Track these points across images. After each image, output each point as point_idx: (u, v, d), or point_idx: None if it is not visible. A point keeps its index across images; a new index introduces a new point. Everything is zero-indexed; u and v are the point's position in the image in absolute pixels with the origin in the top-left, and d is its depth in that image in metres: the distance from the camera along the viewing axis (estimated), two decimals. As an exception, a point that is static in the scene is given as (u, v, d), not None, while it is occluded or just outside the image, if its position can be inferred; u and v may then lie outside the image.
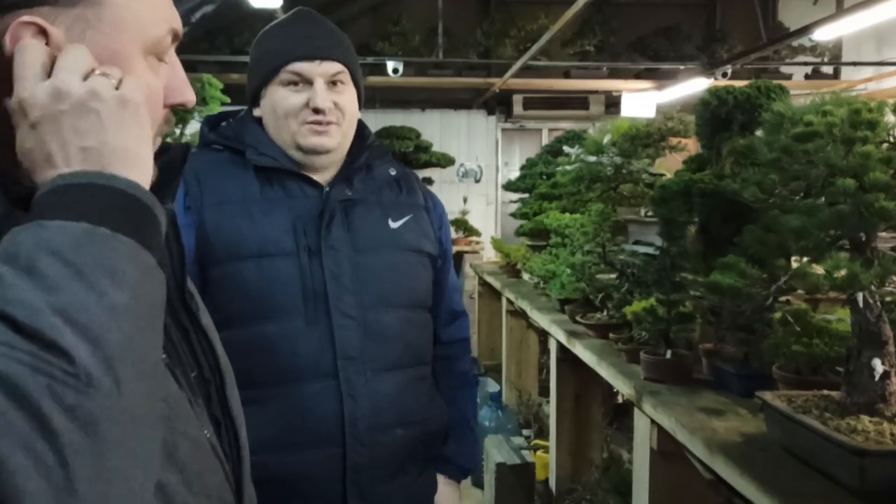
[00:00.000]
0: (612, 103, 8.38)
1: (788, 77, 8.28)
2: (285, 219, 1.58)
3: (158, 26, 0.78)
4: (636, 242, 3.54)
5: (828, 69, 8.53)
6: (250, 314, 1.54)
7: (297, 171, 1.64)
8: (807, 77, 8.46)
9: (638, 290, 3.18)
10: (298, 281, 1.54)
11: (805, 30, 5.80)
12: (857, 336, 1.70)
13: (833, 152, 1.57)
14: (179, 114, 4.04)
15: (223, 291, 1.55)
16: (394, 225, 1.68)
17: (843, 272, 1.49)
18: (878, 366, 1.67)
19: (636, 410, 2.50)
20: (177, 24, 0.81)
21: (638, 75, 8.11)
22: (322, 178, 1.67)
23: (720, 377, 2.46)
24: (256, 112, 1.68)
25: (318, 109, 1.61)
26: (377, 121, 8.36)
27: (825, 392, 1.86)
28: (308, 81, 1.60)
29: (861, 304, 1.66)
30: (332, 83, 1.62)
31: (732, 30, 8.78)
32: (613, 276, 3.40)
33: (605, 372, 2.82)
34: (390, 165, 1.76)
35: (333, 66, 1.63)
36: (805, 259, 1.60)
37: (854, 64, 7.86)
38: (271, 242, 1.56)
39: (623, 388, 2.61)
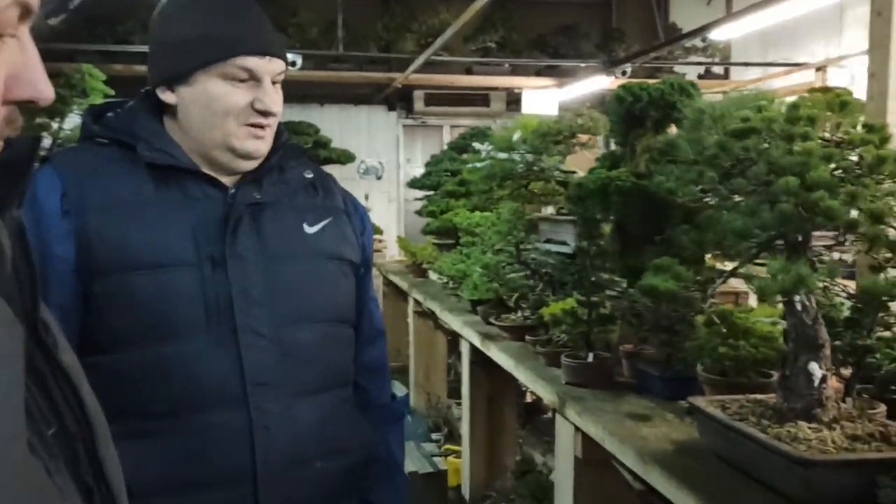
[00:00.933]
0: (514, 100, 8.37)
1: (682, 77, 8.48)
2: (184, 224, 1.37)
3: None
4: (548, 241, 3.47)
5: (718, 69, 8.80)
6: (143, 334, 1.33)
7: (197, 170, 1.43)
8: (700, 77, 8.70)
9: (554, 290, 3.11)
10: (199, 295, 1.34)
11: (702, 30, 5.92)
12: (794, 340, 1.65)
13: (773, 149, 1.50)
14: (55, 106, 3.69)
15: (110, 308, 1.33)
16: (310, 230, 1.49)
17: (788, 275, 1.42)
18: (816, 370, 1.61)
19: (559, 417, 2.41)
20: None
21: (539, 72, 8.13)
22: (227, 179, 1.47)
23: (643, 380, 2.39)
24: (168, 97, 1.43)
25: (266, 112, 1.41)
26: (274, 116, 8.04)
27: (758, 396, 1.81)
28: (256, 79, 1.39)
29: (798, 307, 1.60)
30: (274, 83, 1.43)
31: (629, 29, 8.94)
32: (524, 275, 3.32)
33: (523, 376, 2.72)
34: (306, 167, 1.57)
35: (279, 65, 1.43)
36: (747, 261, 1.53)
37: (744, 64, 8.14)
38: (167, 251, 1.35)
39: (544, 393, 2.51)
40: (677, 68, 8.55)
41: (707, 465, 1.74)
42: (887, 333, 2.01)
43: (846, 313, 2.05)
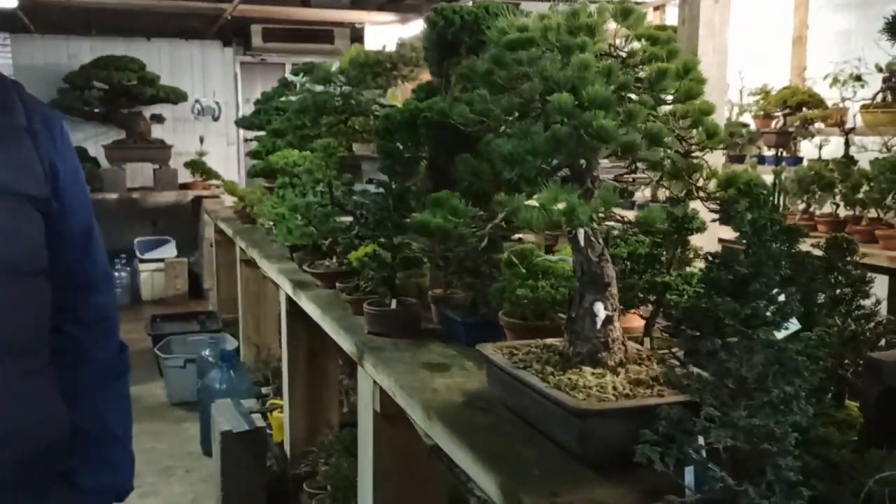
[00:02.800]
0: (358, 37, 8.01)
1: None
2: None
3: None
4: (370, 181, 3.25)
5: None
6: None
7: None
8: None
9: (372, 235, 2.89)
10: None
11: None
12: (580, 278, 1.50)
13: (549, 63, 1.31)
14: None
15: None
16: None
17: (561, 206, 1.25)
18: (601, 310, 1.48)
19: (360, 369, 2.22)
20: None
21: (381, 7, 7.79)
22: None
23: (449, 327, 2.23)
24: None
25: None
26: (94, 50, 7.34)
27: (550, 341, 1.67)
28: None
29: (582, 243, 1.45)
30: None
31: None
32: (353, 220, 3.09)
33: (328, 327, 2.51)
34: None
35: None
36: (522, 191, 1.35)
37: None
38: None
39: (346, 344, 2.31)
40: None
41: (494, 417, 1.59)
42: (687, 269, 1.93)
43: (647, 249, 1.94)
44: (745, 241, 0.91)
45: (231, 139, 8.33)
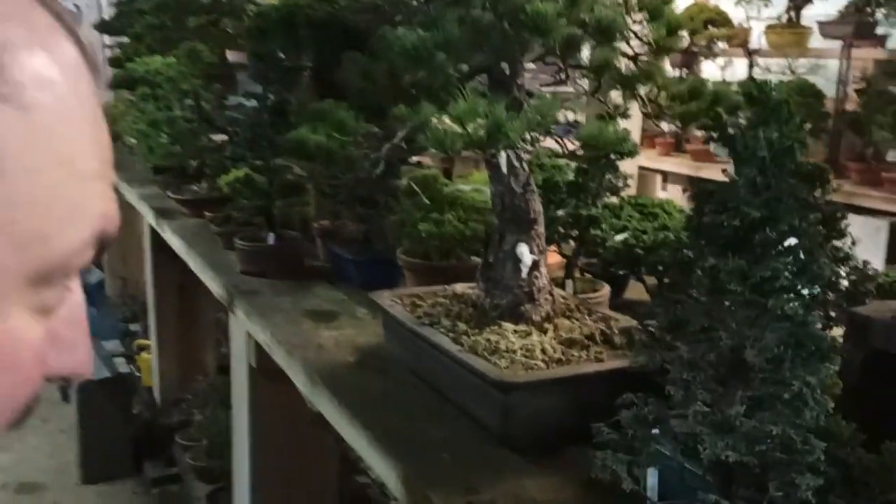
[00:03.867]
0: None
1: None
2: None
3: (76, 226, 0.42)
4: (247, 94, 2.83)
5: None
6: None
7: None
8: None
9: (246, 156, 2.50)
10: None
11: None
12: (500, 214, 1.21)
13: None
14: None
15: None
16: None
17: (481, 121, 0.94)
18: (525, 254, 1.20)
19: (231, 316, 1.88)
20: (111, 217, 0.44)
21: None
22: None
23: (338, 265, 1.91)
24: None
25: None
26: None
27: (460, 289, 1.38)
28: None
29: (504, 169, 1.15)
30: None
31: None
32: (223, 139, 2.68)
33: (194, 263, 2.14)
34: None
35: None
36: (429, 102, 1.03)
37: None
38: None
39: (213, 285, 1.96)
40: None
41: (393, 382, 1.31)
42: (614, 199, 1.67)
43: (570, 176, 1.67)
44: (755, 173, 0.64)
45: (95, 47, 7.51)
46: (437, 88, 1.06)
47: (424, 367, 1.25)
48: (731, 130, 0.68)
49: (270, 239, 1.94)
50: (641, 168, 3.79)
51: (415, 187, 1.60)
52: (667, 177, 4.04)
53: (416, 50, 0.92)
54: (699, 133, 4.08)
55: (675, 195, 3.87)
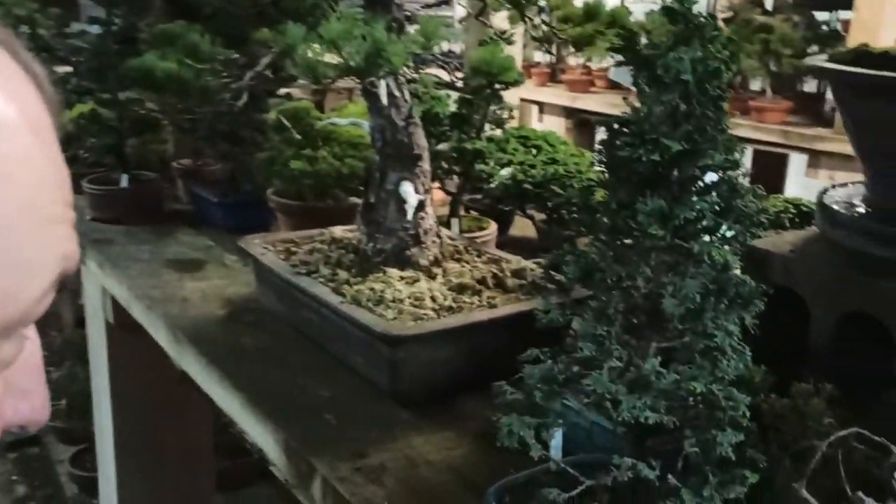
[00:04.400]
0: None
1: None
2: None
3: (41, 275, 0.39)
4: (92, 20, 2.55)
5: None
6: None
7: None
8: None
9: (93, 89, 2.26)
10: None
11: None
12: (380, 150, 1.10)
13: None
14: None
15: None
16: None
17: (358, 45, 0.82)
18: (410, 193, 1.10)
19: (83, 268, 1.69)
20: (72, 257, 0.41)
21: None
22: None
23: (202, 208, 1.75)
24: None
25: None
26: None
27: (338, 233, 1.27)
28: None
29: (384, 100, 1.04)
30: None
31: None
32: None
33: (38, 211, 1.91)
34: None
35: None
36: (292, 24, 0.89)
37: None
38: None
39: (61, 235, 1.75)
40: None
41: (269, 337, 1.19)
42: (498, 132, 1.59)
43: (452, 108, 1.57)
44: (676, 100, 0.56)
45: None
46: (306, 8, 0.93)
47: (303, 321, 1.14)
48: (646, 52, 0.60)
49: (123, 181, 1.75)
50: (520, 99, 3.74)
51: (284, 121, 1.46)
52: (543, 108, 4.01)
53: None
54: (574, 63, 4.06)
55: (551, 126, 3.85)
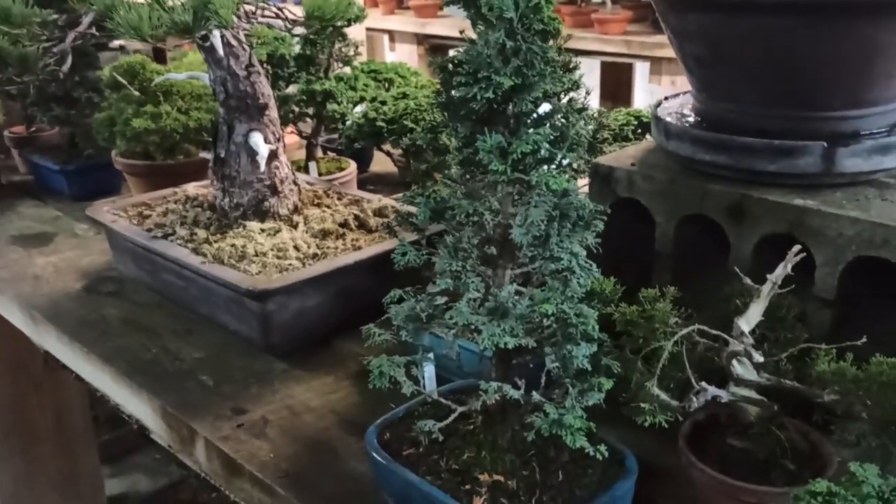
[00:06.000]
0: None
1: None
2: None
3: None
4: None
5: None
6: None
7: None
8: None
9: None
10: None
11: None
12: (224, 102, 1.06)
13: None
14: None
15: None
16: None
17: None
18: (261, 144, 1.08)
19: (-83, 255, 1.57)
20: None
21: None
22: None
23: (42, 178, 1.65)
24: None
25: None
26: None
27: (192, 190, 1.23)
28: None
29: (221, 52, 1.01)
30: None
31: None
32: None
33: None
34: None
35: None
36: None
37: None
38: None
39: None
40: None
41: (132, 305, 1.16)
42: (347, 69, 1.57)
43: (297, 49, 1.53)
44: (502, 37, 0.57)
45: None
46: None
47: (166, 285, 1.11)
48: (470, -10, 0.60)
49: (-51, 157, 1.62)
50: (368, 30, 3.67)
51: (119, 78, 1.39)
52: (393, 36, 3.96)
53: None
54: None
55: (404, 54, 3.82)
